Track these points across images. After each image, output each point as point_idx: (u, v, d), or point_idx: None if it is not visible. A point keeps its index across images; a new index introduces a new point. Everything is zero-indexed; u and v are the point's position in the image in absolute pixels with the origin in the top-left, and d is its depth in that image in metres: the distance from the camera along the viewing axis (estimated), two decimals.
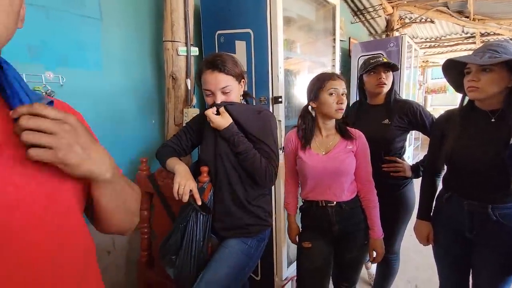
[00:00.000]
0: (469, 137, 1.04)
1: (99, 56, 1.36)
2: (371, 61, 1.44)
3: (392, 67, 1.43)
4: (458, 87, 1.10)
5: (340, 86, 1.16)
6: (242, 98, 1.19)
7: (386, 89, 1.44)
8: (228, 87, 1.06)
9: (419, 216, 1.25)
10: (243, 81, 1.14)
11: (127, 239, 1.53)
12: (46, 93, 1.17)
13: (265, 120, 1.10)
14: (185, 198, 1.00)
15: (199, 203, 1.03)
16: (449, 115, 1.16)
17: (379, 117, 1.44)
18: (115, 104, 1.44)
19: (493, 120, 1.00)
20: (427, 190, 1.24)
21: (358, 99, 1.62)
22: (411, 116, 1.40)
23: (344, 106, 1.15)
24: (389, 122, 1.42)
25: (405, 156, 1.52)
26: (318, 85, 1.18)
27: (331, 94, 1.15)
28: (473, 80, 0.97)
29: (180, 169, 1.06)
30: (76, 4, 1.26)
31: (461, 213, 1.07)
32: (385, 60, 1.41)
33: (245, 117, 1.08)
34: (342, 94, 1.15)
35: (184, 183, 1.01)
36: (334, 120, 1.22)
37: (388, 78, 1.43)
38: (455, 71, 1.07)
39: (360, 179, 1.22)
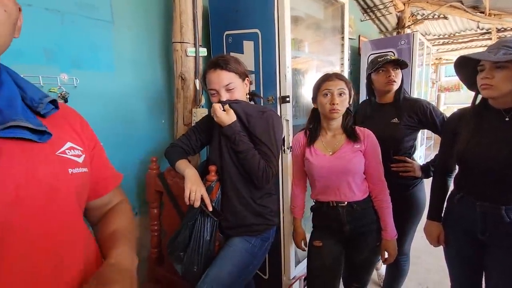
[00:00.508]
0: (482, 136, 1.02)
1: (111, 58, 1.40)
2: (379, 59, 1.42)
3: (401, 64, 1.41)
4: (471, 85, 1.08)
5: (335, 86, 1.14)
6: (249, 97, 1.20)
7: (395, 86, 1.42)
8: (231, 84, 1.08)
9: (430, 217, 1.23)
10: (247, 80, 1.16)
11: (136, 237, 1.57)
12: (61, 94, 1.21)
13: (268, 121, 1.10)
14: (197, 204, 1.03)
15: (210, 209, 1.06)
16: (461, 114, 1.14)
17: (388, 116, 1.43)
18: (126, 104, 1.48)
19: (507, 119, 0.97)
20: (438, 190, 1.22)
21: (367, 98, 1.61)
22: (421, 115, 1.38)
23: (339, 106, 1.13)
24: (398, 121, 1.40)
25: (417, 156, 1.50)
26: (316, 86, 1.21)
27: (325, 95, 1.16)
28: (486, 77, 0.94)
29: (190, 174, 1.08)
30: (89, 8, 1.30)
31: (473, 214, 1.05)
32: (393, 58, 1.40)
33: (248, 116, 1.09)
34: (340, 94, 1.14)
35: (195, 189, 1.03)
36: (340, 120, 1.21)
37: (397, 76, 1.41)
38: (468, 68, 1.04)
39: (371, 178, 1.21)
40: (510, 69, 0.91)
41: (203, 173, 1.16)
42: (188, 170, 1.10)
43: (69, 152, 0.55)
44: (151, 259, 1.46)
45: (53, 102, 0.56)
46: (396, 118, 1.41)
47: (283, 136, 1.34)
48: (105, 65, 1.38)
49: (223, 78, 1.08)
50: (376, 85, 1.48)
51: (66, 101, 1.22)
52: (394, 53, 1.48)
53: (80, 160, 0.57)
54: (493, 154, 0.97)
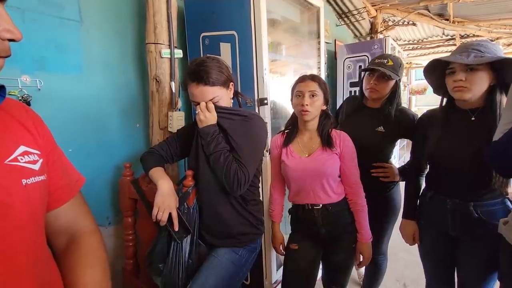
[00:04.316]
0: (451, 136, 1.06)
1: (79, 59, 1.32)
2: (376, 61, 1.35)
3: (386, 76, 1.31)
4: (437, 88, 1.12)
5: (306, 88, 1.14)
6: (232, 98, 1.15)
7: (375, 95, 1.36)
8: (215, 98, 1.03)
9: (405, 216, 1.26)
10: (231, 84, 1.10)
11: (111, 247, 1.49)
12: (22, 97, 1.12)
13: (251, 126, 1.05)
14: (162, 224, 0.98)
15: (176, 229, 1.00)
16: (431, 115, 1.18)
17: (373, 123, 1.38)
18: (97, 108, 1.40)
19: (473, 118, 1.01)
20: (412, 189, 1.25)
21: (354, 95, 1.57)
22: (406, 126, 1.34)
23: (309, 108, 1.13)
24: (383, 130, 1.36)
25: (391, 156, 1.52)
26: (292, 88, 1.21)
27: (297, 96, 1.16)
28: (461, 79, 0.96)
29: (163, 187, 1.01)
30: (54, 7, 1.22)
31: (444, 211, 1.09)
32: (385, 65, 1.30)
33: (229, 122, 1.05)
34: (312, 96, 1.14)
35: (163, 208, 0.97)
36: (316, 122, 1.21)
37: (383, 86, 1.33)
38: (435, 72, 1.08)
39: (347, 181, 1.21)
40: (481, 71, 0.94)
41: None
42: (161, 181, 1.02)
43: (22, 159, 0.46)
44: (126, 270, 1.38)
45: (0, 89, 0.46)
46: (381, 127, 1.36)
47: None
48: (73, 66, 1.31)
49: (207, 94, 1.01)
50: (363, 87, 1.42)
51: (28, 104, 1.14)
52: (390, 59, 1.34)
53: (37, 166, 0.49)
54: (461, 153, 1.01)
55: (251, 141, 1.05)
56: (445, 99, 1.10)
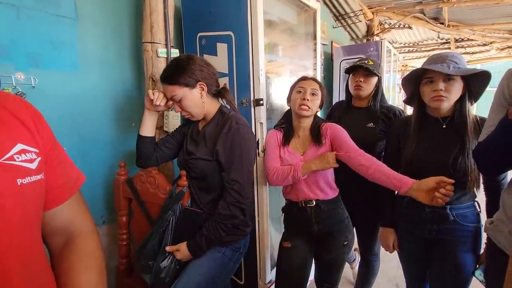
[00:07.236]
0: (425, 143, 1.09)
1: (75, 57, 1.32)
2: (357, 62, 1.47)
3: (369, 71, 1.43)
4: (411, 98, 1.16)
5: (308, 85, 1.20)
6: (215, 97, 1.15)
7: (363, 92, 1.46)
8: (175, 96, 1.06)
9: (383, 224, 1.27)
10: (199, 85, 1.06)
11: (104, 246, 1.48)
12: (16, 94, 1.11)
13: (235, 142, 1.03)
14: (162, 102, 1.10)
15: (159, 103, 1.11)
16: (404, 122, 1.20)
17: (363, 120, 1.46)
18: (92, 106, 1.40)
19: (444, 126, 1.07)
20: (388, 197, 1.25)
21: (344, 99, 1.65)
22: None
23: (309, 103, 1.17)
24: (373, 126, 1.44)
25: None
26: (292, 86, 1.26)
27: (299, 92, 1.21)
28: (441, 89, 1.01)
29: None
30: (49, 4, 1.21)
31: (421, 216, 1.11)
32: (366, 64, 1.42)
33: (215, 140, 1.06)
34: (313, 94, 1.19)
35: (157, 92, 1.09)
36: (311, 122, 1.24)
37: (367, 82, 1.45)
38: (412, 81, 1.12)
39: (351, 151, 1.14)
40: (457, 81, 1.01)
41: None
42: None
43: (18, 158, 0.44)
44: (119, 270, 1.38)
45: None
46: (371, 123, 1.44)
47: (257, 140, 1.33)
48: (68, 64, 1.30)
49: (166, 91, 1.08)
50: (349, 88, 1.52)
51: None
52: (371, 59, 1.46)
53: (34, 165, 0.47)
54: (438, 159, 1.05)
55: (239, 160, 1.03)
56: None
